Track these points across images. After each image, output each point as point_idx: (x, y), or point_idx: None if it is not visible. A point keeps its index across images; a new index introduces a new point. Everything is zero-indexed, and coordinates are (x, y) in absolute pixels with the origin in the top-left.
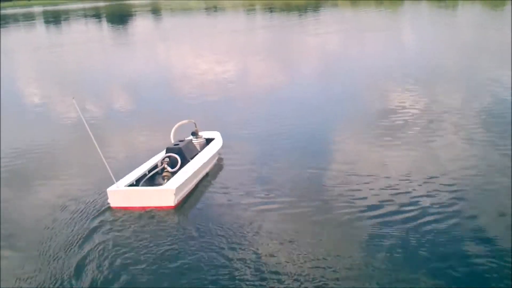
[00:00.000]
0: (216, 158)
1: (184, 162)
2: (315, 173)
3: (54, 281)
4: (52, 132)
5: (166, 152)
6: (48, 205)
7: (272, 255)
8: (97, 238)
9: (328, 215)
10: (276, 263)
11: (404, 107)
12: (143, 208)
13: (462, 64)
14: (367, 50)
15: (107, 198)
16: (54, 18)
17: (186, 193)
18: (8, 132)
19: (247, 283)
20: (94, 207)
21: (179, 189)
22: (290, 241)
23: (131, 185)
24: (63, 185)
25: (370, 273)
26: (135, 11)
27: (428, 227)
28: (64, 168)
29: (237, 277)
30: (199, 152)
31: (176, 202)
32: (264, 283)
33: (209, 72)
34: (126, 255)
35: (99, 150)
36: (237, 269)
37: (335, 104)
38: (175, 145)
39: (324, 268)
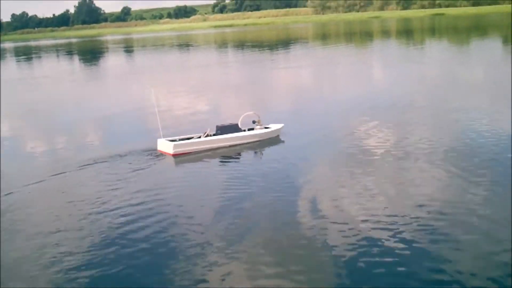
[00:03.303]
0: (251, 140)
1: (217, 134)
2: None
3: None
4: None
5: (216, 129)
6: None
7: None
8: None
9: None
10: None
11: (374, 142)
12: (165, 152)
13: (429, 98)
14: (337, 85)
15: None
16: (25, 55)
17: (188, 151)
18: None
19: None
20: (149, 147)
21: (178, 145)
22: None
23: (171, 140)
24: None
25: None
26: (108, 47)
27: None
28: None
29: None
30: (236, 132)
31: (173, 152)
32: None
33: (182, 108)
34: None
35: (158, 121)
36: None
37: (307, 139)
38: (221, 124)
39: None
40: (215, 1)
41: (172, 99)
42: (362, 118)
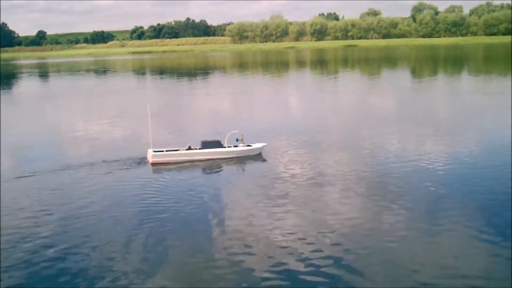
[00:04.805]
0: (228, 156)
1: (202, 148)
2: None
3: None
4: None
5: (200, 144)
6: (128, 150)
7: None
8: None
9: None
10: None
11: (293, 166)
12: (149, 161)
13: (343, 126)
14: (254, 112)
15: (146, 154)
16: None
17: (165, 161)
18: None
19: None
20: (140, 156)
21: (156, 155)
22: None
23: (155, 151)
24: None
25: None
26: (22, 72)
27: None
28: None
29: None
30: (218, 147)
31: (152, 160)
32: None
33: (95, 134)
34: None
35: (150, 136)
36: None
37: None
38: (205, 140)
39: None
40: (133, 27)
41: (88, 124)
42: (280, 143)
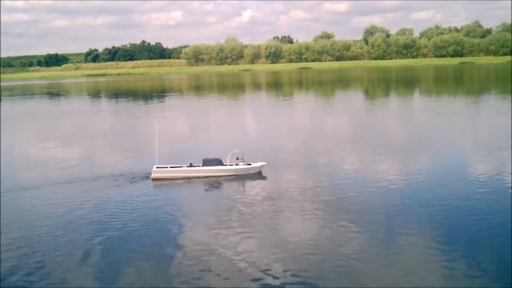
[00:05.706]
0: (226, 174)
1: (204, 166)
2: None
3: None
4: None
5: (202, 161)
6: (132, 167)
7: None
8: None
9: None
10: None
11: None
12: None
13: (299, 146)
14: (212, 134)
15: (151, 171)
16: None
17: (166, 177)
18: None
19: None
20: (145, 172)
21: (157, 171)
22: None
23: (158, 167)
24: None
25: None
26: None
27: None
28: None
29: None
30: (218, 165)
31: (153, 177)
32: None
33: (51, 157)
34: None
35: (156, 152)
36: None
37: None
38: (207, 158)
39: None
40: (87, 50)
41: (43, 148)
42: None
